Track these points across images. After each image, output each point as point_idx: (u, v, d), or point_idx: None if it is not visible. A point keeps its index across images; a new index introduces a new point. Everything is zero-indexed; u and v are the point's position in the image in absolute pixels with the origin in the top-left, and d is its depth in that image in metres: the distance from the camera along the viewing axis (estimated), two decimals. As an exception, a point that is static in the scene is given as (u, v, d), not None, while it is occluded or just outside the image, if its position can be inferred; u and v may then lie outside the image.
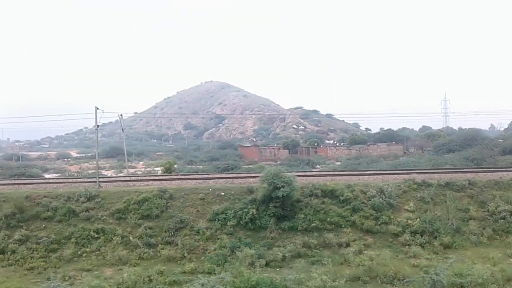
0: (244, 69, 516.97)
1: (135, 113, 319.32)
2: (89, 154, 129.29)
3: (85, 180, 32.92)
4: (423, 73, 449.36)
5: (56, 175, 61.09)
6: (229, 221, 25.01)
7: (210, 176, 33.02)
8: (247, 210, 25.28)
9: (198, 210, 26.56)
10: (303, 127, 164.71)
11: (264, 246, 23.04)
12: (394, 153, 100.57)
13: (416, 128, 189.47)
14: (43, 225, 25.47)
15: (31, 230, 24.96)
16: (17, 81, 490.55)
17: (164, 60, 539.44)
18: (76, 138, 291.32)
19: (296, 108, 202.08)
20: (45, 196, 27.99)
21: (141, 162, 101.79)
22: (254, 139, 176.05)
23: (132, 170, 74.44)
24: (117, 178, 32.54)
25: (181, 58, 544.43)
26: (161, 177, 32.81)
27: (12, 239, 23.98)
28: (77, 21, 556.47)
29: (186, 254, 22.72)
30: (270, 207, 25.20)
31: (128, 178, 32.60)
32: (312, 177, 31.39)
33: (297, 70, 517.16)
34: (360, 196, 27.08)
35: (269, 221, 24.83)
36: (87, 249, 23.50)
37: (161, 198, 27.15)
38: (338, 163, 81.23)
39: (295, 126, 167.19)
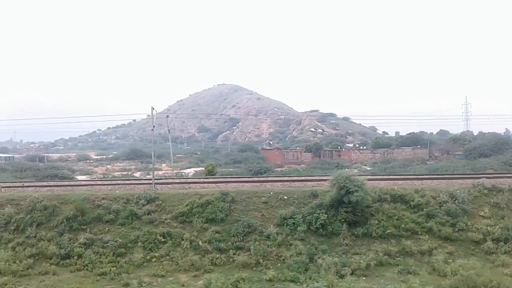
0: (256, 72, 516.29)
1: (148, 115, 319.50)
2: (110, 156, 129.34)
3: (139, 182, 32.16)
4: (437, 77, 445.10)
5: (86, 176, 60.72)
6: (299, 226, 24.05)
7: (268, 179, 31.98)
8: (317, 215, 24.30)
9: (263, 214, 25.64)
10: (321, 130, 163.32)
11: (342, 254, 22.00)
12: (419, 157, 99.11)
13: (433, 132, 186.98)
14: (106, 228, 24.74)
15: (94, 233, 24.25)
16: (28, 84, 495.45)
17: (176, 62, 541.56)
18: (90, 140, 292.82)
19: (312, 111, 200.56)
20: (103, 198, 27.31)
21: (164, 164, 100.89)
22: (270, 142, 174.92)
23: (160, 173, 73.92)
24: (172, 180, 31.70)
25: (192, 60, 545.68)
26: (217, 180, 31.89)
27: (77, 243, 23.32)
28: (90, 24, 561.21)
29: (260, 261, 21.78)
30: (341, 212, 24.18)
31: (183, 180, 31.73)
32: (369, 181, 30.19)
33: (309, 73, 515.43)
34: (432, 201, 25.93)
35: (341, 227, 23.81)
36: (156, 254, 22.74)
37: (224, 202, 26.30)
38: (364, 166, 79.96)
39: (313, 129, 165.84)
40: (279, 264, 21.58)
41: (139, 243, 23.49)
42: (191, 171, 78.42)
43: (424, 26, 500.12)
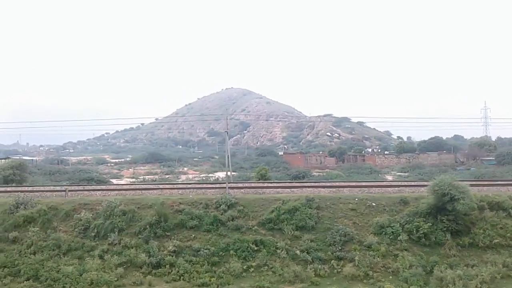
0: (263, 75, 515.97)
1: (156, 119, 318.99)
2: (127, 159, 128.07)
3: (208, 186, 30.79)
4: (449, 80, 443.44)
5: (131, 179, 59.49)
6: (399, 235, 22.59)
7: (344, 184, 30.55)
8: (417, 223, 22.88)
9: (354, 222, 24.22)
10: (338, 135, 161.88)
11: (453, 265, 20.54)
12: (445, 162, 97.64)
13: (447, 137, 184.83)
14: (192, 235, 23.36)
15: (180, 240, 22.84)
16: (28, 86, 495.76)
17: (183, 66, 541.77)
18: (98, 143, 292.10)
19: (325, 115, 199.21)
20: (180, 203, 25.99)
21: (185, 168, 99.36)
22: (285, 146, 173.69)
23: (184, 177, 72.56)
24: (243, 185, 30.28)
25: (200, 64, 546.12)
26: (290, 184, 30.50)
27: (166, 251, 21.90)
28: (100, 28, 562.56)
29: (370, 272, 20.31)
30: (442, 221, 22.74)
31: (254, 185, 30.34)
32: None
33: (316, 77, 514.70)
34: (532, 209, 24.48)
35: (445, 237, 22.36)
36: (253, 263, 21.32)
37: (310, 208, 24.93)
38: (393, 172, 78.45)
39: (329, 134, 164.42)
40: (390, 277, 20.13)
41: (231, 252, 22.08)
42: (219, 174, 77.19)
43: (423, 28, 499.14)
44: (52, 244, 22.16)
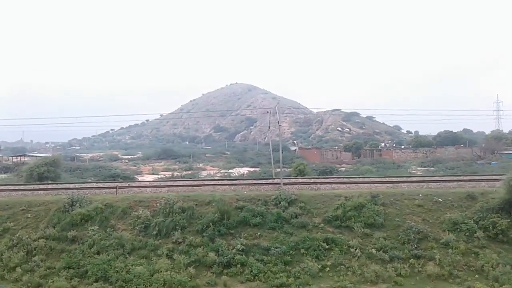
0: (267, 71, 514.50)
1: (161, 115, 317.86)
2: (139, 155, 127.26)
3: (263, 182, 29.86)
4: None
5: (158, 176, 58.63)
6: (475, 232, 21.67)
7: (402, 179, 29.60)
8: (493, 219, 21.93)
9: (424, 219, 23.27)
10: (348, 130, 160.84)
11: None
12: (463, 156, 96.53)
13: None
14: (258, 233, 22.45)
15: (246, 238, 21.92)
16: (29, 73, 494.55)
17: (186, 61, 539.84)
18: (104, 139, 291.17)
19: (334, 110, 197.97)
20: (238, 200, 25.08)
21: (201, 164, 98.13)
22: (295, 141, 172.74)
23: (205, 173, 71.58)
24: (296, 180, 29.40)
25: (203, 59, 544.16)
26: (343, 180, 29.53)
27: (235, 249, 20.97)
28: (105, 23, 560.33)
29: (453, 271, 19.38)
30: (520, 216, 21.79)
31: (307, 181, 29.42)
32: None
33: (319, 71, 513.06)
34: None
35: (523, 233, 21.42)
36: (327, 262, 20.39)
37: (376, 204, 24.01)
38: (414, 166, 77.36)
39: (339, 129, 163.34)
40: (476, 276, 19.21)
41: (302, 250, 21.17)
42: (238, 170, 76.27)
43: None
44: (115, 244, 21.26)
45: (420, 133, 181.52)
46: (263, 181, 30.07)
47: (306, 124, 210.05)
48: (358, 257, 20.61)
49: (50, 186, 30.31)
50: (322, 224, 22.97)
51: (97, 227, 22.31)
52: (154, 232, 22.36)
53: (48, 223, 22.90)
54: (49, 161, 38.83)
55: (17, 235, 21.83)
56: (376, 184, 27.66)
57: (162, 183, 30.79)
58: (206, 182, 30.11)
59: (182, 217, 23.10)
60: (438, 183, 27.86)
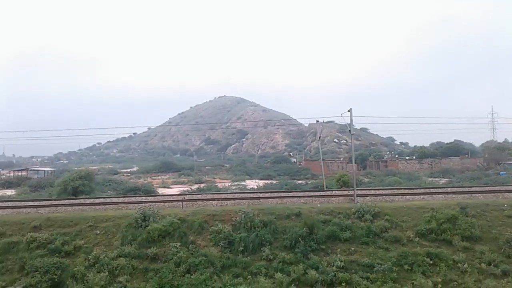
0: (254, 84, 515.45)
1: (149, 128, 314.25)
2: (134, 168, 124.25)
3: (334, 194, 28.41)
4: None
5: (170, 189, 56.42)
6: None
7: (478, 189, 28.56)
8: None
9: (520, 231, 22.16)
10: (345, 141, 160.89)
11: None
12: (468, 167, 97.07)
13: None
14: (351, 248, 20.94)
15: (341, 254, 20.42)
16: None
17: (174, 73, 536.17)
18: (91, 153, 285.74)
19: (327, 122, 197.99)
20: (316, 213, 23.61)
21: (206, 177, 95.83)
22: (291, 153, 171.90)
23: (220, 185, 69.53)
24: (369, 192, 28.04)
25: (191, 72, 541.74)
26: (422, 191, 28.26)
27: (335, 267, 19.40)
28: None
29: None
30: None
31: (383, 192, 28.12)
32: None
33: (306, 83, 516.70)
34: None
35: None
36: (437, 279, 18.92)
37: (467, 216, 22.86)
38: (424, 177, 76.91)
39: (336, 140, 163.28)
40: None
41: (405, 266, 19.73)
42: (251, 182, 74.60)
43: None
44: (204, 261, 19.45)
45: (410, 144, 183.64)
46: (334, 193, 28.58)
47: (299, 136, 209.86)
48: (469, 272, 19.27)
49: (108, 200, 28.29)
50: (417, 238, 21.62)
51: (179, 244, 20.48)
52: (240, 248, 20.65)
53: (123, 240, 20.94)
54: (83, 174, 36.56)
55: (93, 253, 19.79)
56: (451, 195, 26.51)
57: (227, 196, 28.96)
58: (274, 195, 28.42)
59: (266, 232, 21.46)
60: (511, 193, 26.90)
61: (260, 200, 26.25)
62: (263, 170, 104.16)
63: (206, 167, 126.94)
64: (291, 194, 28.30)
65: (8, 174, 78.22)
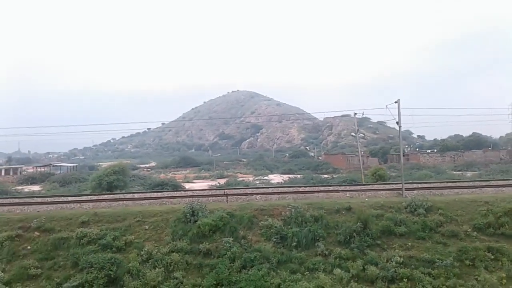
0: (267, 78, 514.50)
1: (163, 123, 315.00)
2: (152, 164, 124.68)
3: (381, 187, 27.74)
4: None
5: (193, 184, 56.26)
6: None
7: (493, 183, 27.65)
8: None
9: None
10: (362, 135, 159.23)
11: None
12: (491, 159, 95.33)
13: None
14: (407, 243, 20.29)
15: (399, 249, 19.79)
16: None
17: (187, 68, 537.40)
18: (106, 149, 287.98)
19: (343, 116, 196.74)
20: (367, 207, 22.97)
21: (227, 171, 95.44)
22: (307, 147, 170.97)
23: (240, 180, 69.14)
24: (416, 186, 27.35)
25: (202, 68, 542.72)
26: (469, 184, 27.52)
27: (394, 262, 18.76)
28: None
29: None
30: None
31: (430, 185, 27.42)
32: None
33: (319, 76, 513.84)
34: None
35: None
36: (502, 274, 18.24)
37: None
38: (448, 170, 75.53)
39: (353, 134, 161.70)
40: None
41: (466, 262, 19.04)
42: (274, 177, 74.14)
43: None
44: (259, 257, 19.00)
45: (426, 138, 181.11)
46: (382, 187, 27.91)
47: (315, 130, 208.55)
48: (533, 268, 18.51)
49: (148, 195, 27.98)
50: (475, 233, 20.90)
51: (232, 239, 20.06)
52: (294, 244, 20.15)
53: (173, 235, 20.60)
54: (117, 169, 36.38)
55: (145, 249, 19.47)
56: (501, 188, 25.65)
57: (270, 190, 28.46)
58: (321, 189, 27.83)
59: (319, 227, 20.92)
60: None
61: (305, 194, 25.64)
62: (282, 165, 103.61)
63: (224, 162, 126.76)
64: (333, 188, 27.66)
65: (30, 170, 78.87)
